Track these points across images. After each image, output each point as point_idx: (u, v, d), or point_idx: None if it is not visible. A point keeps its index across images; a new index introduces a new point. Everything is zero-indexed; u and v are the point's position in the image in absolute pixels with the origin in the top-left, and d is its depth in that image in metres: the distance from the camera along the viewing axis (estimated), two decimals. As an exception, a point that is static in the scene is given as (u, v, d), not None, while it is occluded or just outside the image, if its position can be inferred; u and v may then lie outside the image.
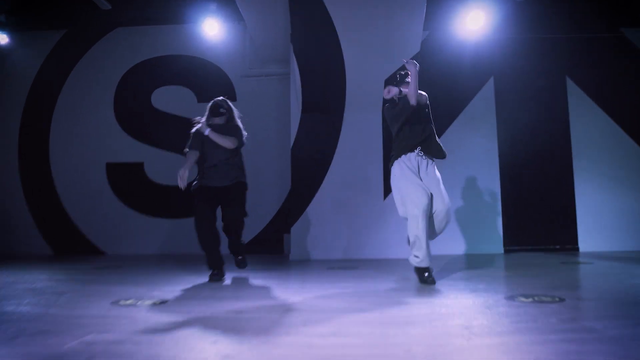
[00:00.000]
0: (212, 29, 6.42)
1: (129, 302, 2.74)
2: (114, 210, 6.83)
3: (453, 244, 5.99)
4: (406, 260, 5.15)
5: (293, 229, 5.69)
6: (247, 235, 6.62)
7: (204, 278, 3.79)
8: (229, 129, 4.04)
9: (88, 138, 6.97)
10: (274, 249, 6.49)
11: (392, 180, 3.63)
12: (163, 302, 2.73)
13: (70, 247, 6.77)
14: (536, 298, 2.67)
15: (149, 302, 2.74)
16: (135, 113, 6.96)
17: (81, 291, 3.18)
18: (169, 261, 5.52)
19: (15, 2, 6.47)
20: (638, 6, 6.09)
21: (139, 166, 6.89)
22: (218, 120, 4.08)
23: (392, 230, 5.57)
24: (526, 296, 2.74)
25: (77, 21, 7.02)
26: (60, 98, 7.05)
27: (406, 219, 3.48)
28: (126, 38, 7.07)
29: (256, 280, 3.78)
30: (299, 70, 5.51)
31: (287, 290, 3.21)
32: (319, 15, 5.11)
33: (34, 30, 7.03)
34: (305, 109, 5.73)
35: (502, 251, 6.02)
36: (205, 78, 6.95)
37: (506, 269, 4.37)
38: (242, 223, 4.03)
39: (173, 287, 3.35)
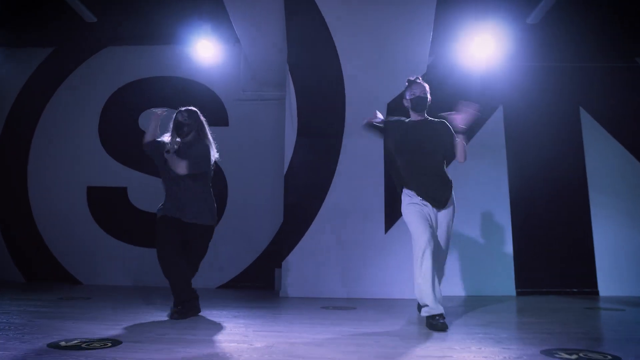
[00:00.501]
0: (205, 51, 6.09)
1: (71, 343, 2.20)
2: (92, 237, 6.29)
3: (459, 284, 5.47)
4: (411, 301, 4.67)
5: (284, 263, 5.15)
6: (235, 269, 6.16)
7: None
8: (195, 150, 3.55)
9: (70, 160, 6.50)
10: (264, 284, 5.94)
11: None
12: (115, 344, 2.20)
13: (44, 276, 6.18)
14: (582, 354, 2.15)
15: (97, 344, 2.20)
16: (121, 135, 6.52)
17: (21, 327, 2.63)
18: (147, 294, 4.96)
19: (1, 18, 6.15)
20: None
21: (122, 191, 6.40)
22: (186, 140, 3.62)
23: (394, 267, 5.05)
24: (567, 351, 2.21)
25: (65, 39, 6.68)
26: (42, 117, 6.62)
27: None
28: (115, 57, 6.71)
29: (238, 319, 3.24)
30: (295, 91, 5.11)
31: (271, 334, 2.67)
32: (318, 35, 4.77)
33: (20, 47, 6.69)
34: (301, 133, 5.29)
35: (514, 293, 5.48)
36: (196, 101, 6.44)
37: (526, 314, 3.82)
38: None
39: (137, 326, 2.81)
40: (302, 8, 5.09)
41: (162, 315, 3.31)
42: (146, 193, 6.33)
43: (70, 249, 6.28)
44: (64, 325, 2.74)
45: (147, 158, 6.35)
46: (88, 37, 6.53)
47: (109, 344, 2.21)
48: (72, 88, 6.67)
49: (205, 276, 6.08)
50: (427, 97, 3.48)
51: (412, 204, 3.22)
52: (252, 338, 2.53)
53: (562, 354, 2.17)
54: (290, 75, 5.20)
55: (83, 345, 2.16)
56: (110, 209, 6.36)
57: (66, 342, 2.21)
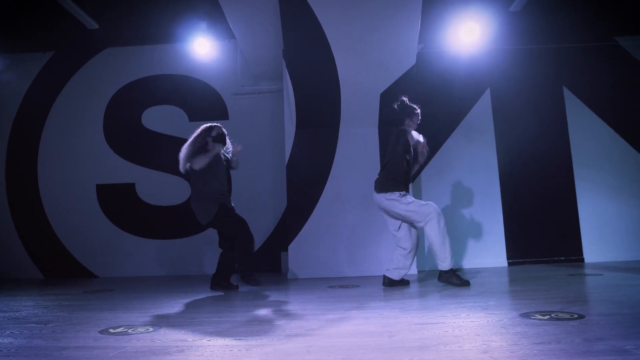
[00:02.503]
0: (202, 48, 6.34)
1: (118, 329, 2.55)
2: (105, 232, 6.64)
3: (455, 258, 5.84)
4: (409, 276, 5.05)
5: (290, 247, 5.51)
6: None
7: (197, 301, 3.60)
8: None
9: (77, 159, 6.80)
10: (272, 268, 6.32)
11: (400, 203, 4.12)
12: (156, 329, 2.55)
13: (61, 271, 6.56)
14: (553, 315, 2.52)
15: (141, 329, 2.55)
16: (126, 133, 6.81)
17: (68, 319, 2.98)
18: (164, 283, 5.32)
19: (1, 25, 6.35)
20: (631, 16, 6.08)
21: (130, 187, 6.72)
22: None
23: (392, 246, 5.40)
24: (542, 313, 2.58)
25: (65, 42, 6.90)
26: (48, 119, 6.90)
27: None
28: (116, 58, 6.96)
29: (256, 300, 3.60)
30: (292, 85, 5.39)
31: (289, 314, 3.03)
32: (311, 29, 5.00)
33: (21, 53, 6.91)
34: (299, 125, 5.61)
35: (506, 264, 5.88)
36: (196, 97, 6.84)
37: (514, 283, 4.21)
38: None
39: (166, 312, 3.16)
40: (295, 3, 5.32)
41: (183, 302, 3.66)
42: (153, 187, 6.66)
43: (84, 244, 6.62)
44: (104, 316, 3.08)
45: (154, 154, 6.71)
46: (88, 40, 6.76)
47: (151, 329, 2.55)
48: (75, 90, 6.93)
49: (215, 262, 6.46)
50: None
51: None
52: (271, 317, 2.89)
53: (538, 315, 2.54)
54: (286, 70, 5.47)
55: (130, 331, 2.50)
56: (120, 204, 6.68)
57: (114, 329, 2.55)
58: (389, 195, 4.14)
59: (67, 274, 6.53)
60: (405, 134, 4.14)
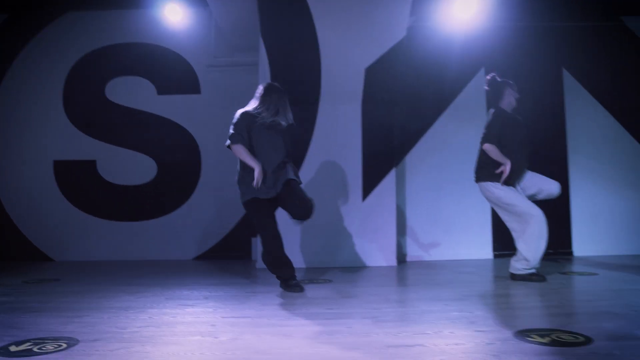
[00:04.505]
0: (174, 15, 5.78)
1: (22, 347, 2.06)
2: (62, 213, 6.10)
3: (439, 249, 5.46)
4: (387, 269, 4.64)
5: (261, 235, 5.03)
6: (213, 239, 6.05)
7: (142, 299, 3.15)
8: None
9: (34, 133, 6.20)
10: (242, 253, 5.86)
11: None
12: (70, 345, 2.08)
13: (13, 253, 6.00)
14: (555, 337, 2.09)
15: (50, 345, 2.07)
16: (88, 106, 6.22)
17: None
18: (116, 270, 4.84)
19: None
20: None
21: (91, 164, 6.16)
22: None
23: (371, 235, 4.98)
24: (541, 333, 2.15)
25: (21, 4, 6.24)
26: (1, 88, 6.27)
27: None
28: (78, 24, 6.29)
29: (208, 301, 3.13)
30: (268, 57, 4.85)
31: (239, 321, 2.58)
32: (291, -1, 4.48)
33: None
34: (275, 101, 5.08)
35: (492, 256, 5.50)
36: (166, 68, 6.25)
37: (502, 282, 3.78)
38: None
39: (98, 317, 2.69)
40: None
41: (128, 299, 3.20)
42: (116, 165, 6.13)
43: (39, 225, 6.10)
44: (21, 322, 2.59)
45: (118, 129, 6.18)
46: (46, 3, 6.12)
47: (64, 345, 2.08)
48: (32, 58, 6.28)
49: (182, 248, 6.01)
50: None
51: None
52: (218, 328, 2.43)
53: (536, 336, 2.11)
54: (262, 42, 4.93)
55: (35, 349, 2.02)
56: (79, 183, 6.14)
57: (17, 346, 2.07)
58: None
59: (20, 256, 6.00)
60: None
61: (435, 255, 5.43)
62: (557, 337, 2.09)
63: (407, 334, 2.22)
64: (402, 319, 2.56)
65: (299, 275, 4.05)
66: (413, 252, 5.49)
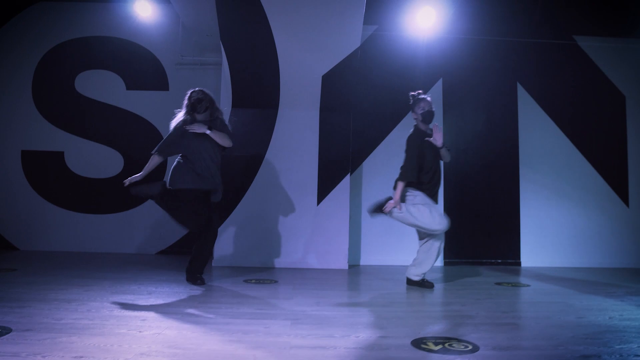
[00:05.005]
0: (144, 10, 5.87)
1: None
2: (28, 202, 6.20)
3: (390, 254, 5.66)
4: (338, 272, 4.86)
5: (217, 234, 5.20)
6: (175, 235, 6.20)
7: (98, 290, 3.31)
8: (219, 125, 3.91)
9: (1, 123, 6.29)
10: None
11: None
12: (2, 334, 2.25)
13: (-22, 242, 6.11)
14: (447, 345, 2.30)
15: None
16: (56, 98, 6.31)
17: None
18: (74, 262, 4.98)
19: None
20: (591, 15, 5.86)
21: (59, 155, 6.26)
22: (201, 117, 3.92)
23: (324, 238, 5.20)
24: (437, 341, 2.37)
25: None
26: (-30, 78, 6.33)
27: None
28: (48, 14, 6.37)
29: (150, 297, 3.30)
30: (228, 60, 5.00)
31: (170, 317, 2.76)
32: (248, 3, 4.57)
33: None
34: (235, 103, 5.25)
35: (442, 263, 5.72)
36: (135, 64, 6.36)
37: (433, 291, 4.00)
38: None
39: (39, 308, 2.85)
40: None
41: (75, 292, 3.36)
42: (84, 157, 6.25)
43: (5, 214, 6.18)
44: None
45: (86, 122, 6.26)
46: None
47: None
48: (1, 48, 6.34)
49: (146, 242, 6.15)
50: (434, 111, 4.11)
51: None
52: (147, 323, 2.61)
53: (430, 343, 2.32)
54: (222, 46, 5.06)
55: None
56: (46, 174, 6.24)
57: None
58: None
59: (-16, 243, 6.10)
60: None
61: (387, 260, 5.62)
62: (449, 345, 2.31)
63: (315, 336, 2.43)
64: (320, 321, 2.76)
65: (243, 276, 4.25)
66: (366, 256, 5.69)
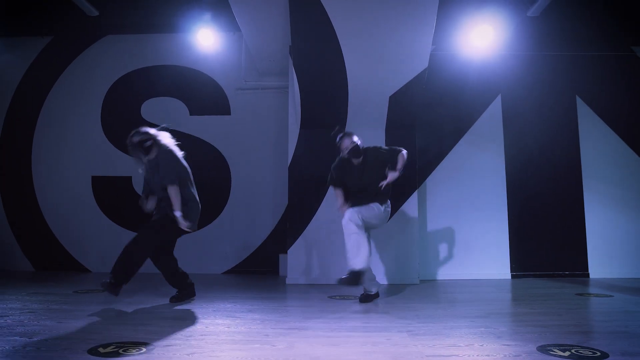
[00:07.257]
0: (206, 39, 6.15)
1: (108, 349, 2.38)
2: (100, 226, 6.45)
3: (458, 268, 5.71)
4: (411, 287, 4.92)
5: (290, 251, 5.35)
6: (241, 254, 6.35)
7: (187, 312, 3.45)
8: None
9: (73, 150, 6.60)
10: (268, 269, 6.16)
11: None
12: (148, 349, 2.39)
13: (53, 265, 6.37)
14: (574, 351, 2.36)
15: (132, 348, 2.38)
16: (124, 124, 6.56)
17: (55, 330, 2.80)
18: (153, 282, 5.14)
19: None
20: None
21: (127, 180, 6.52)
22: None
23: (396, 253, 5.27)
24: (561, 347, 2.43)
25: (64, 27, 6.67)
26: (44, 107, 6.68)
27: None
28: (116, 46, 6.73)
29: (253, 313, 3.43)
30: (299, 83, 5.19)
31: (289, 332, 2.87)
32: (321, 26, 4.78)
33: (18, 36, 6.67)
34: (304, 125, 5.42)
35: (509, 277, 5.73)
36: (198, 90, 6.63)
37: (521, 302, 4.05)
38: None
39: (160, 325, 3.00)
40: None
41: (179, 310, 3.50)
42: (151, 182, 6.46)
43: (78, 238, 6.44)
44: (93, 328, 2.91)
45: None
46: (88, 26, 6.53)
47: (143, 349, 2.39)
48: (73, 78, 6.70)
49: (212, 262, 6.31)
50: (358, 145, 4.22)
51: None
52: (272, 337, 2.73)
53: (557, 350, 2.39)
54: (292, 67, 5.27)
55: (120, 351, 2.33)
56: (115, 198, 6.49)
57: (104, 348, 2.39)
58: None
59: (59, 267, 6.35)
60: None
61: (454, 274, 5.67)
62: (576, 351, 2.37)
63: (442, 346, 2.51)
64: (435, 333, 2.84)
65: (326, 293, 4.35)
66: (433, 271, 5.74)
